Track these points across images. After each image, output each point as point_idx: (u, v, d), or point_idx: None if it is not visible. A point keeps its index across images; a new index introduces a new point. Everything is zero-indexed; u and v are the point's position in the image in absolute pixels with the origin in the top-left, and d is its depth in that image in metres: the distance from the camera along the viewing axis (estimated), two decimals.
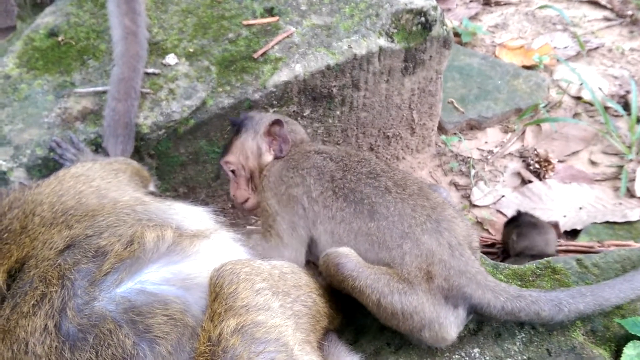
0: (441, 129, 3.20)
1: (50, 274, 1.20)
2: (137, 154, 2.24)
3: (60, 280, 1.19)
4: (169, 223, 1.33)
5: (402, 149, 3.06)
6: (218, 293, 1.17)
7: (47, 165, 2.14)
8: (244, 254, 1.43)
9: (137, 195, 1.44)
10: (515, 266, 1.77)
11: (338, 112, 2.63)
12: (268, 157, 2.00)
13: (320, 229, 1.72)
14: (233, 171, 2.06)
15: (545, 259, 1.78)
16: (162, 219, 1.34)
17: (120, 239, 1.24)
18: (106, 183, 1.46)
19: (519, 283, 1.73)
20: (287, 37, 2.42)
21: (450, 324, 1.55)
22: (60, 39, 2.49)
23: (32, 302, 1.17)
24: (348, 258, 1.56)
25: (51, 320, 1.16)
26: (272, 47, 2.39)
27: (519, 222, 2.38)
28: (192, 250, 1.29)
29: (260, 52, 2.37)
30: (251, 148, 2.01)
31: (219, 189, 2.62)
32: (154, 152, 2.30)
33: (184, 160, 2.40)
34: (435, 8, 2.57)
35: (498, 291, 1.56)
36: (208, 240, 1.35)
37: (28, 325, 1.16)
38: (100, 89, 2.29)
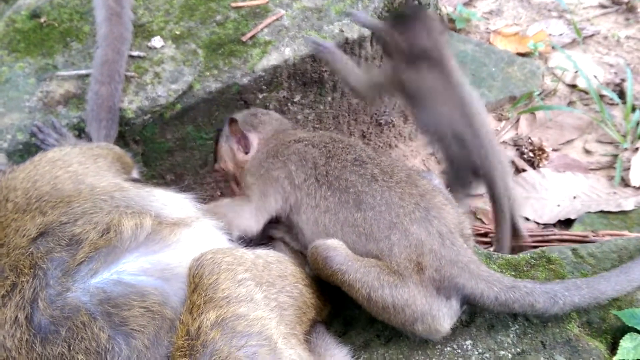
0: None
1: (22, 262, 1.14)
2: (122, 140, 2.17)
3: (32, 270, 1.13)
4: (149, 210, 1.27)
5: (394, 137, 3.01)
6: (197, 284, 1.12)
7: (29, 151, 2.07)
8: (226, 243, 1.38)
9: (116, 181, 1.38)
10: (509, 256, 1.72)
11: (329, 98, 2.57)
12: (241, 156, 1.99)
13: (303, 218, 1.67)
14: (224, 177, 2.09)
15: (540, 248, 1.73)
16: (141, 206, 1.28)
17: (96, 226, 1.18)
18: (84, 168, 1.39)
19: (513, 273, 1.68)
20: (277, 19, 2.35)
21: (443, 315, 1.51)
22: (42, 20, 2.41)
23: (1, 293, 1.12)
24: (337, 251, 1.52)
25: (22, 311, 1.10)
26: (262, 30, 2.32)
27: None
28: (172, 239, 1.23)
29: (249, 35, 2.30)
30: (226, 151, 2.03)
31: (207, 176, 2.56)
32: (140, 137, 2.23)
33: (170, 146, 2.34)
34: None
35: (491, 281, 1.52)
36: (189, 228, 1.29)
37: None
38: (83, 72, 2.22)
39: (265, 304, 1.14)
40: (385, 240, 1.55)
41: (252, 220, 1.71)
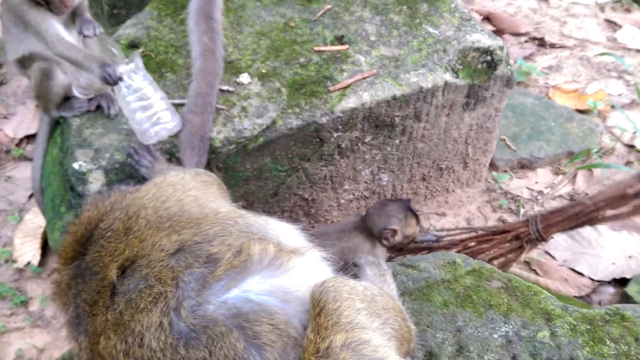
0: (492, 166, 3.25)
1: (164, 274, 1.28)
2: (207, 166, 2.33)
3: (174, 281, 1.27)
4: (270, 238, 1.41)
5: (452, 182, 3.11)
6: (322, 308, 1.24)
7: (124, 170, 2.24)
8: (331, 273, 1.50)
9: (233, 208, 1.52)
10: (585, 310, 1.78)
11: (397, 141, 2.70)
12: None
13: None
14: None
15: (615, 305, 1.79)
16: (263, 233, 1.42)
17: (230, 248, 1.31)
18: (202, 194, 1.54)
19: (588, 327, 1.73)
20: (370, 76, 2.48)
21: None
22: (140, 50, 2.61)
23: (149, 299, 1.25)
24: None
25: (166, 317, 1.23)
26: (351, 85, 2.45)
27: None
28: (290, 266, 1.36)
29: (337, 87, 2.44)
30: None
31: (275, 206, 2.70)
32: (222, 165, 2.39)
33: (248, 175, 2.49)
34: (501, 48, 2.64)
35: None
36: (303, 257, 1.42)
37: (144, 320, 1.23)
38: (177, 101, 2.40)
39: (379, 334, 1.24)
40: None
41: None
